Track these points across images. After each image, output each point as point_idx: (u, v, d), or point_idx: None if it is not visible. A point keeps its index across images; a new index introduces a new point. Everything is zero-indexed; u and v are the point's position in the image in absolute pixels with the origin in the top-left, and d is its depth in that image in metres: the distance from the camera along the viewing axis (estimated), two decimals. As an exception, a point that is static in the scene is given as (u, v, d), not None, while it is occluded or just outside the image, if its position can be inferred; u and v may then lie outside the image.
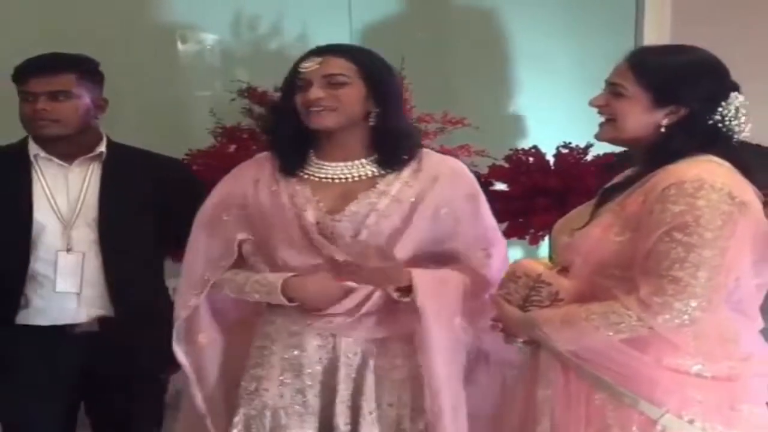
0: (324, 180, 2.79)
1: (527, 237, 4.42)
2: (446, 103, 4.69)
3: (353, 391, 2.77)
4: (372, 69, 2.76)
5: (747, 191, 2.28)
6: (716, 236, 2.19)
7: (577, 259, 2.39)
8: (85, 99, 3.26)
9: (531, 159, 4.54)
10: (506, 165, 4.53)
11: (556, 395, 2.39)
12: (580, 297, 2.35)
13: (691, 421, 2.26)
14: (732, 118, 2.34)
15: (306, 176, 2.80)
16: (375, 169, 2.80)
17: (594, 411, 2.34)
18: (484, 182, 4.45)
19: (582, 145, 4.47)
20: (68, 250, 3.22)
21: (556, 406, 2.39)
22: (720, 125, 2.34)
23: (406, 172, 2.81)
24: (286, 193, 2.79)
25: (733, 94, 2.36)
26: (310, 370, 2.78)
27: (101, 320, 3.29)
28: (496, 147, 4.65)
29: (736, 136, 2.38)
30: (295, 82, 2.74)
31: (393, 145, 2.79)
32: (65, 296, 3.24)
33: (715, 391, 2.29)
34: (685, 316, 2.20)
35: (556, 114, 5.12)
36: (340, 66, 2.70)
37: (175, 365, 2.98)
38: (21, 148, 3.34)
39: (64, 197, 3.26)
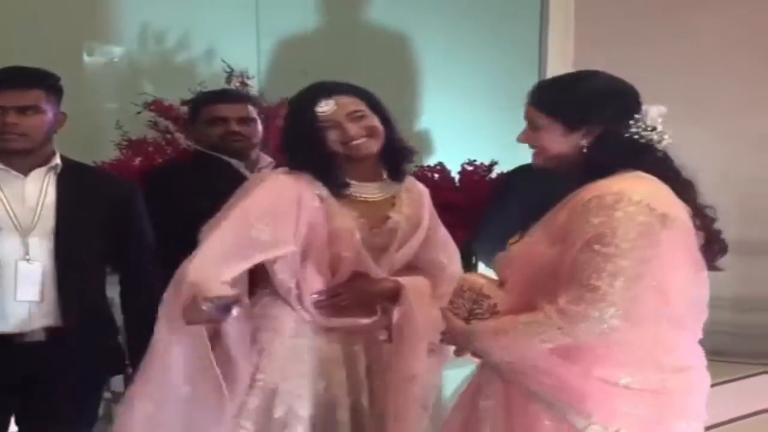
0: (361, 199, 2.98)
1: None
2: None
3: None
4: (371, 98, 3.06)
5: (670, 203, 2.31)
6: (632, 246, 2.21)
7: (512, 272, 2.44)
8: (50, 114, 3.28)
9: (437, 176, 4.59)
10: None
11: (497, 406, 2.42)
12: (517, 309, 2.38)
13: None
14: (647, 130, 2.39)
15: (348, 196, 2.97)
16: (391, 187, 3.03)
17: (532, 421, 2.37)
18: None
19: (486, 162, 4.54)
20: (27, 259, 3.23)
21: (498, 416, 2.42)
22: (637, 138, 2.39)
23: (403, 189, 3.06)
24: (332, 211, 2.92)
25: (645, 108, 2.42)
26: None
27: (48, 329, 3.28)
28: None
29: (658, 147, 2.41)
30: (315, 124, 2.94)
31: (401, 160, 3.07)
32: (21, 305, 3.23)
33: (643, 403, 2.30)
34: (604, 325, 2.21)
35: (461, 132, 5.20)
36: (356, 103, 2.98)
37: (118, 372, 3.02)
38: None
39: (21, 207, 3.26)
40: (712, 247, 2.38)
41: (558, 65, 6.56)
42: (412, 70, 5.59)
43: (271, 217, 2.87)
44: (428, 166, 4.68)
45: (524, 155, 2.69)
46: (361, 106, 2.99)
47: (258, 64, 5.24)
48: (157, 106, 4.43)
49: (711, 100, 6.35)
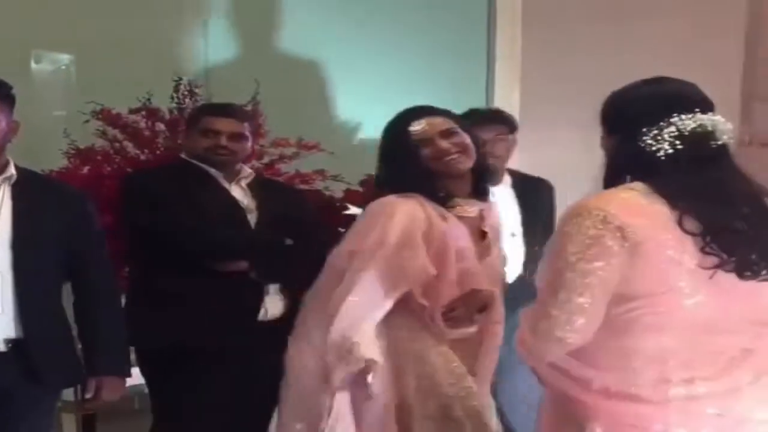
0: (464, 215, 3.16)
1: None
2: (302, 128, 4.75)
3: None
4: (460, 120, 3.25)
5: (636, 215, 2.20)
6: (578, 259, 2.18)
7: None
8: (3, 123, 3.26)
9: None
10: (361, 189, 4.59)
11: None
12: None
13: None
14: (664, 140, 2.26)
15: (456, 214, 3.14)
16: (477, 203, 3.22)
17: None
18: (339, 206, 4.52)
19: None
20: None
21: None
22: (648, 147, 2.27)
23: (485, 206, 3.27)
24: (454, 230, 3.09)
25: (672, 119, 2.28)
26: None
27: (9, 341, 3.26)
28: (352, 172, 4.72)
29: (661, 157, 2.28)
30: (410, 144, 3.11)
31: (488, 179, 3.30)
32: None
33: (642, 413, 2.22)
34: (561, 339, 2.21)
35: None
36: (447, 122, 3.17)
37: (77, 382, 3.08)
38: None
39: None
40: (738, 270, 2.20)
41: (506, 75, 6.63)
42: (362, 79, 5.61)
43: (413, 244, 3.00)
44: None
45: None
46: (452, 125, 3.16)
47: (206, 72, 5.25)
48: (105, 115, 4.42)
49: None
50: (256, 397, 3.64)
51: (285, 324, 3.59)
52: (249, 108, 4.43)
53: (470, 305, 3.11)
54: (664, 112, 2.29)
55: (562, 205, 5.80)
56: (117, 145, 4.43)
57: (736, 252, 2.18)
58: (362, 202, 4.52)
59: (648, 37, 6.70)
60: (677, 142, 2.25)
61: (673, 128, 2.26)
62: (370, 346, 2.93)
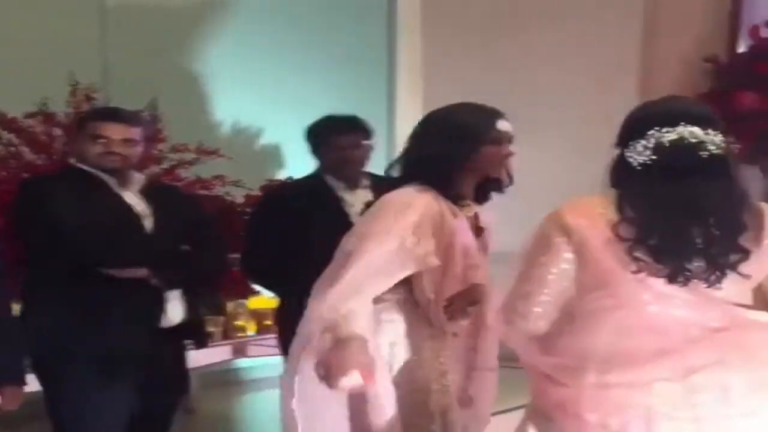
0: (468, 214, 3.18)
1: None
2: (202, 134, 4.73)
3: None
4: None
5: (584, 217, 2.38)
6: (530, 254, 2.43)
7: None
8: None
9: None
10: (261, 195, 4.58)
11: None
12: None
13: None
14: (644, 152, 2.37)
15: (464, 213, 3.16)
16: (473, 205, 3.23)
17: None
18: (240, 211, 4.51)
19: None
20: None
21: None
22: (629, 160, 2.39)
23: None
24: (463, 227, 3.11)
25: (650, 132, 2.38)
26: None
27: None
28: (252, 177, 4.71)
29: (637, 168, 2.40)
30: (491, 135, 3.08)
31: (497, 188, 3.26)
32: None
33: (561, 394, 2.38)
34: (518, 324, 2.44)
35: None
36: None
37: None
38: None
39: None
40: (668, 277, 2.31)
41: (408, 83, 6.68)
42: (261, 86, 5.61)
43: (420, 232, 3.00)
44: (278, 180, 4.70)
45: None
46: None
47: (105, 76, 5.19)
48: (-1, 119, 4.35)
49: (553, 113, 6.53)
50: (156, 404, 3.61)
51: (185, 330, 3.58)
52: (147, 113, 4.38)
53: (467, 299, 3.16)
54: (650, 126, 2.39)
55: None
56: (12, 149, 4.35)
57: (665, 260, 2.28)
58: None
59: (546, 45, 6.81)
60: (653, 153, 2.36)
61: (652, 140, 2.37)
62: (355, 321, 2.91)
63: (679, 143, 2.35)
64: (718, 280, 2.29)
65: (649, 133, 2.37)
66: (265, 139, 5.62)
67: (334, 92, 5.55)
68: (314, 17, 5.99)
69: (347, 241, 3.02)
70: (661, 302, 2.31)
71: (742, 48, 6.92)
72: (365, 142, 4.05)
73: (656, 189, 2.34)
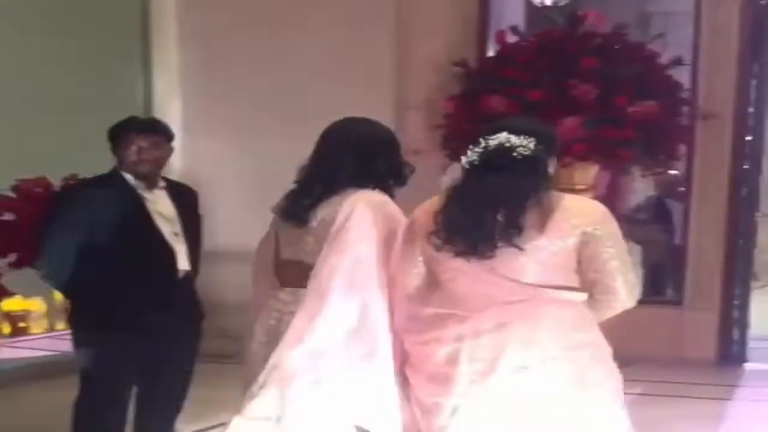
0: None
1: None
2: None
3: None
4: None
5: (422, 213, 2.95)
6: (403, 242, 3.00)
7: None
8: None
9: (40, 189, 4.51)
10: (14, 195, 4.47)
11: None
12: None
13: None
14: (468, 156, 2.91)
15: None
16: None
17: None
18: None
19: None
20: None
21: None
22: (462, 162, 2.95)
23: None
24: None
25: (481, 139, 2.91)
26: None
27: None
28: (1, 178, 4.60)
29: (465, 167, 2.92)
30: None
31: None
32: None
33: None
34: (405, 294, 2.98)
35: (64, 147, 5.14)
36: None
37: None
38: None
39: None
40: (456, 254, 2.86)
41: (165, 86, 6.65)
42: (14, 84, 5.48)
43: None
44: (30, 180, 4.59)
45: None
46: None
47: None
48: None
49: (312, 110, 6.63)
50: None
51: None
52: None
53: None
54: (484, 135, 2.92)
55: (220, 206, 5.93)
56: None
57: (451, 240, 2.83)
58: (16, 208, 4.42)
59: (303, 48, 6.90)
60: (477, 156, 2.88)
61: (480, 145, 2.89)
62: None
63: (498, 147, 2.86)
64: (493, 252, 2.79)
65: (481, 138, 2.89)
66: (21, 139, 5.46)
67: (86, 90, 5.47)
68: (62, 15, 5.88)
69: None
70: (455, 277, 2.88)
71: (491, 52, 7.23)
72: (164, 143, 4.12)
73: (466, 183, 2.88)
